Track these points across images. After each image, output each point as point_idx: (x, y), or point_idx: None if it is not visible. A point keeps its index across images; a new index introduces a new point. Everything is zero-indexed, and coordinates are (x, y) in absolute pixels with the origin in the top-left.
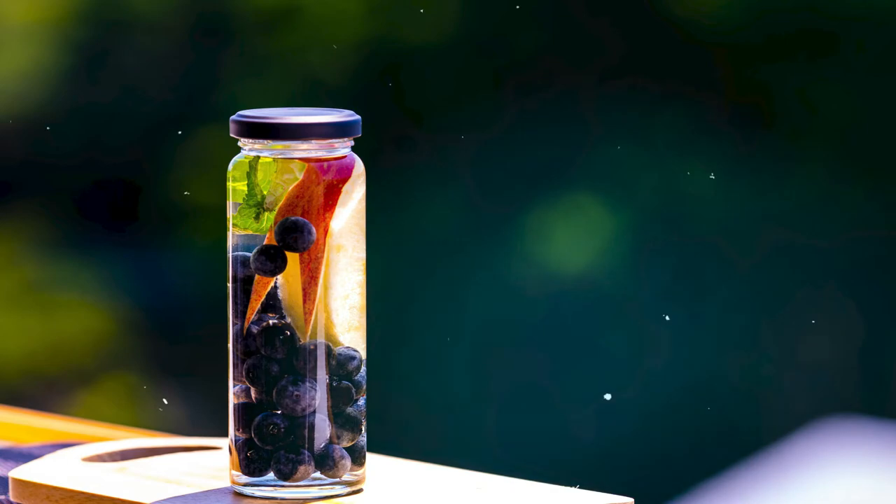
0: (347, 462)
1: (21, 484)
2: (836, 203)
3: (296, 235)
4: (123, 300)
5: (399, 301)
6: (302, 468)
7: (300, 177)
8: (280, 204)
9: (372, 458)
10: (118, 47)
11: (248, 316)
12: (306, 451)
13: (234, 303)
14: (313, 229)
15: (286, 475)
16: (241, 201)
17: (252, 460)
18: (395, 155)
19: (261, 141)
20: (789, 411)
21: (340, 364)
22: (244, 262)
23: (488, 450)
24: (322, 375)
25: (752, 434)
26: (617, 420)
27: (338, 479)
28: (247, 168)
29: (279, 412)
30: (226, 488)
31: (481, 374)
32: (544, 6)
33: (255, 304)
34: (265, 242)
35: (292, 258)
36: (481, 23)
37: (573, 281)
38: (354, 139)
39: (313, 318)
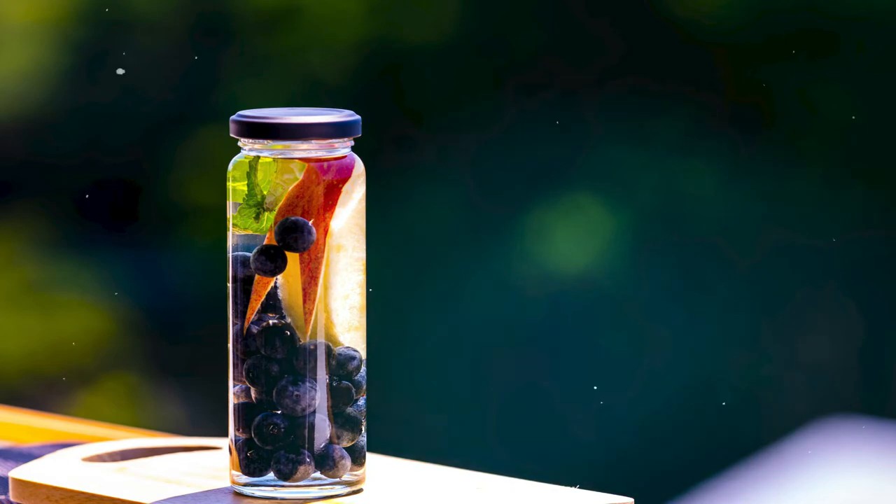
0: (347, 462)
1: (21, 484)
2: (836, 203)
3: (296, 235)
4: (123, 300)
5: (399, 301)
6: (302, 468)
7: (300, 177)
8: (280, 204)
9: (372, 458)
10: (118, 47)
11: (248, 316)
12: (306, 451)
13: (234, 303)
14: (313, 229)
15: (286, 475)
16: (241, 201)
17: (252, 460)
18: (395, 155)
19: (261, 141)
20: (789, 411)
21: (340, 364)
22: (244, 262)
23: (488, 450)
24: (322, 375)
25: (752, 434)
26: (617, 420)
27: (338, 479)
28: (247, 168)
29: (279, 412)
30: (226, 488)
31: (481, 374)
32: (544, 6)
33: (255, 304)
34: (265, 242)
35: (292, 258)
36: (481, 23)
37: (573, 281)
38: (354, 139)
39: (313, 318)
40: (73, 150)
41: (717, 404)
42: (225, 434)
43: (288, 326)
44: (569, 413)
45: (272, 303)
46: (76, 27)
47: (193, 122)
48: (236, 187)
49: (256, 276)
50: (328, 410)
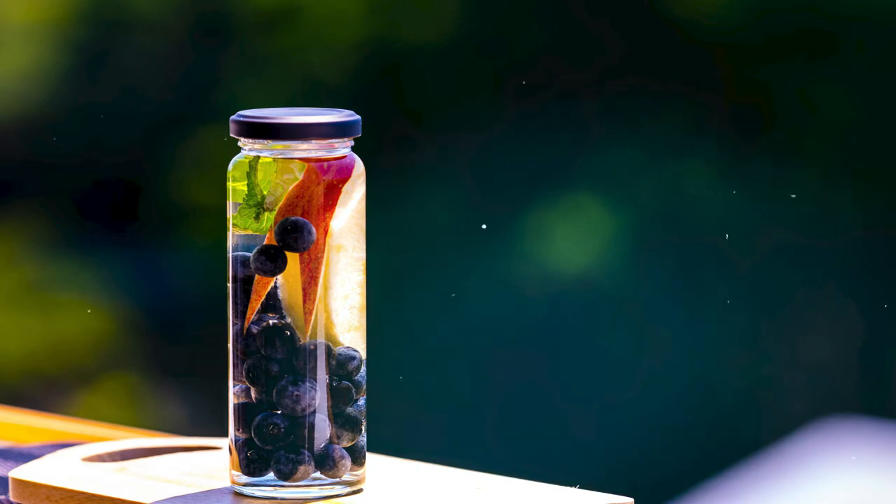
0: (347, 462)
1: (21, 484)
2: (836, 203)
3: (296, 235)
4: (123, 300)
5: (399, 301)
6: (302, 468)
7: (300, 177)
8: (280, 204)
9: (372, 458)
10: (118, 47)
11: (248, 316)
12: (306, 451)
13: (234, 303)
14: (313, 229)
15: (286, 475)
16: (241, 201)
17: (252, 460)
18: (395, 155)
19: (261, 141)
20: (789, 411)
21: (340, 364)
22: (244, 262)
23: (488, 450)
24: (322, 375)
25: (752, 434)
26: (617, 420)
27: (338, 479)
28: (247, 168)
29: (279, 412)
30: (226, 488)
31: (481, 374)
32: (544, 6)
33: (255, 304)
34: (265, 242)
35: (292, 258)
36: (481, 23)
37: (573, 281)
38: (354, 139)
39: (313, 318)
40: (73, 150)
41: (717, 404)
42: (225, 434)
43: (288, 326)
44: (569, 413)
45: (272, 303)
46: (76, 27)
47: (193, 122)
48: (236, 187)
49: (256, 276)
50: (328, 410)
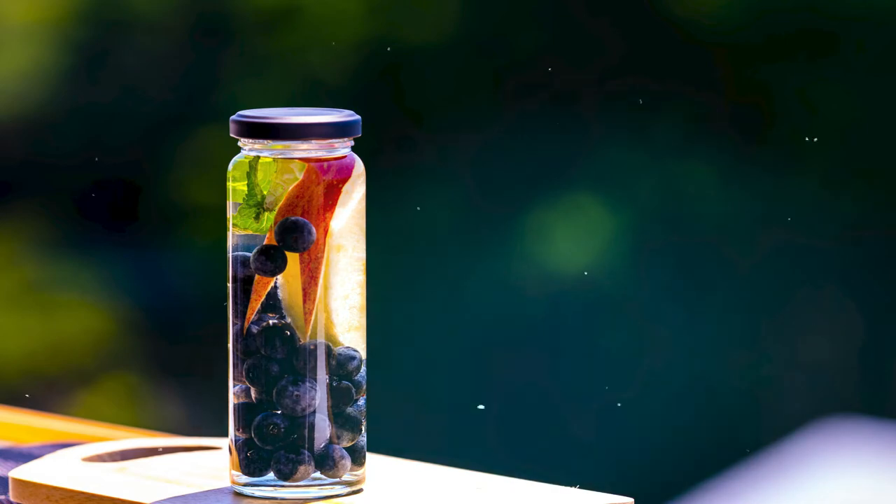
0: (347, 462)
1: (21, 484)
2: (836, 203)
3: (296, 235)
4: (123, 300)
5: (399, 301)
6: (302, 468)
7: (300, 177)
8: (280, 204)
9: (372, 458)
10: (118, 47)
11: (248, 316)
12: (306, 451)
13: (234, 303)
14: (313, 229)
15: (286, 475)
16: (241, 201)
17: (252, 460)
18: (395, 155)
19: (261, 141)
20: (789, 411)
21: (340, 364)
22: (244, 262)
23: (488, 450)
24: (322, 375)
25: (752, 434)
26: (617, 420)
27: (338, 479)
28: (247, 168)
29: (279, 412)
30: (226, 488)
31: (481, 374)
32: (544, 6)
33: (255, 304)
34: (265, 242)
35: (292, 258)
36: (481, 23)
37: (573, 281)
38: (354, 139)
39: (313, 318)
40: (73, 150)
41: (717, 404)
42: (225, 434)
43: (288, 326)
44: (569, 413)
45: (272, 303)
46: (76, 27)
47: (193, 122)
48: (236, 187)
49: (256, 276)
50: (328, 410)
